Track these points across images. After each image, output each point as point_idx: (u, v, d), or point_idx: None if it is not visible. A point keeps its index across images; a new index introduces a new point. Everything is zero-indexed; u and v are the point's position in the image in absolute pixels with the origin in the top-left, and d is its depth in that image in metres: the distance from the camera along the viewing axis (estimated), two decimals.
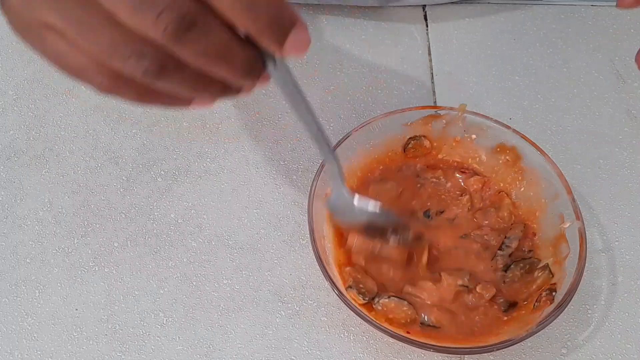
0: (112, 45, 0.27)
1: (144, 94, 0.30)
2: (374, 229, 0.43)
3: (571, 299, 0.40)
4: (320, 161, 0.45)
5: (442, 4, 0.61)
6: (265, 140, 0.53)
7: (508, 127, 0.47)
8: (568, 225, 0.43)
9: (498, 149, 0.48)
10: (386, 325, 0.40)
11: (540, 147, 0.46)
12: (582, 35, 0.60)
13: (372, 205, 0.43)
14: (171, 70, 0.28)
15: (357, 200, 0.43)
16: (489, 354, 0.43)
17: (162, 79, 0.28)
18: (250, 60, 0.29)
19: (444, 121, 0.48)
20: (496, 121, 0.47)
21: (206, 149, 0.52)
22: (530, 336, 0.38)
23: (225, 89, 0.31)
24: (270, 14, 0.27)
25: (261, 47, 0.29)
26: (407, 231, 0.44)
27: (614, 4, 0.62)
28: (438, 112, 0.48)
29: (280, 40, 0.28)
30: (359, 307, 0.40)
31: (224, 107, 0.55)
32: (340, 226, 0.45)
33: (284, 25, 0.28)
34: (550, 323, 0.39)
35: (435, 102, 0.55)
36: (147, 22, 0.26)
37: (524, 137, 0.46)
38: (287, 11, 0.28)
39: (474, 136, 0.48)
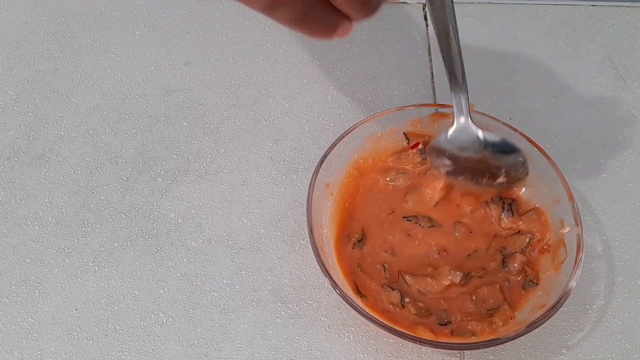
0: None
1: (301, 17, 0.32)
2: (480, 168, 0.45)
3: (563, 303, 0.39)
4: (320, 157, 0.45)
5: None
6: (265, 140, 0.53)
7: (515, 130, 0.46)
8: (567, 230, 0.43)
9: None
10: (386, 321, 0.40)
11: (545, 151, 0.45)
12: (582, 35, 0.60)
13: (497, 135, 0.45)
14: None
15: (482, 133, 0.45)
16: (490, 353, 0.43)
17: None
18: None
19: (450, 120, 0.48)
20: (504, 123, 0.47)
21: (206, 149, 0.52)
22: (518, 337, 0.38)
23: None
24: None
25: None
26: (521, 168, 0.45)
27: (614, 4, 0.62)
28: (444, 110, 0.48)
29: None
30: (360, 305, 0.40)
31: (224, 107, 0.55)
32: (442, 171, 0.47)
33: None
34: (540, 325, 0.39)
35: (435, 102, 0.55)
36: None
37: (530, 140, 0.46)
38: None
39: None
